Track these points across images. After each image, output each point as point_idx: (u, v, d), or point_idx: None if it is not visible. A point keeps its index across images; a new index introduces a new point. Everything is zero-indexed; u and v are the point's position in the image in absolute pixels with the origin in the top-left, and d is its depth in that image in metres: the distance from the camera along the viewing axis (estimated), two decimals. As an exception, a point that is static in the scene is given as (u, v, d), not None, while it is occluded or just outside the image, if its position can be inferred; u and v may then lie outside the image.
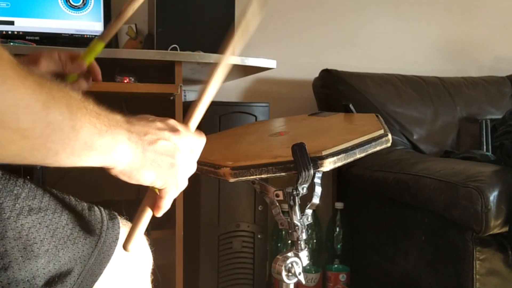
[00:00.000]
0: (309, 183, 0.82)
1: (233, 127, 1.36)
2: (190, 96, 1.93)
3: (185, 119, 0.61)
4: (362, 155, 0.84)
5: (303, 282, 0.90)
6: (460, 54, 2.47)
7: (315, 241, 1.94)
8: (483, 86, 2.21)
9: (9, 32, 1.56)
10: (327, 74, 2.01)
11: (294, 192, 0.84)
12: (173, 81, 1.43)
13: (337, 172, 1.98)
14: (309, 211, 0.88)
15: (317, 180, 0.83)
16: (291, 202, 0.86)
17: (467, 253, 1.33)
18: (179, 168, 0.55)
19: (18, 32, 1.57)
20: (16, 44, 1.48)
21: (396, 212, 1.63)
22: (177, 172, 0.55)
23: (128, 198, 1.57)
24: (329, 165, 0.80)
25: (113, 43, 1.76)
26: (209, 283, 1.60)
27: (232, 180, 0.83)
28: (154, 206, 0.57)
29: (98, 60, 1.43)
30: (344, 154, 0.81)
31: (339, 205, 1.90)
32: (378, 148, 0.86)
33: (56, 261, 0.54)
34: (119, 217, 0.65)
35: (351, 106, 1.15)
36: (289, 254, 0.88)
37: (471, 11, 2.48)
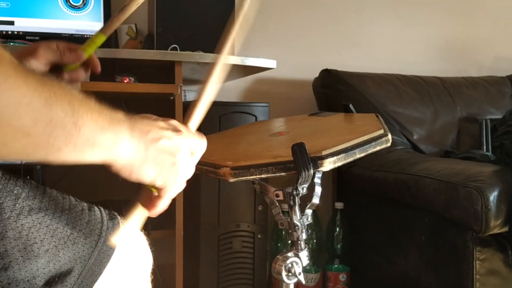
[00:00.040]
0: (309, 183, 0.82)
1: (233, 127, 1.36)
2: (190, 96, 1.93)
3: (184, 119, 0.62)
4: (362, 155, 0.84)
5: (303, 282, 0.90)
6: (460, 54, 2.47)
7: (315, 241, 1.94)
8: (483, 86, 2.21)
9: (9, 32, 1.56)
10: (327, 74, 2.01)
11: (294, 192, 0.84)
12: (173, 81, 1.43)
13: (337, 172, 1.98)
14: (309, 211, 0.88)
15: (317, 180, 0.83)
16: (291, 202, 0.86)
17: (467, 253, 1.33)
18: (180, 167, 0.55)
19: (18, 32, 1.57)
20: (16, 44, 1.48)
21: (396, 212, 1.63)
22: (177, 171, 0.55)
23: (128, 198, 1.57)
24: (329, 165, 0.80)
25: (113, 43, 1.76)
26: (209, 283, 1.60)
27: (232, 180, 0.83)
28: (150, 205, 0.57)
29: (98, 60, 1.43)
30: (344, 154, 0.81)
31: (339, 205, 1.90)
32: (378, 148, 0.86)
33: (56, 261, 0.54)
34: (119, 217, 0.65)
35: (351, 106, 1.15)
36: (289, 254, 0.88)
37: (471, 11, 2.48)
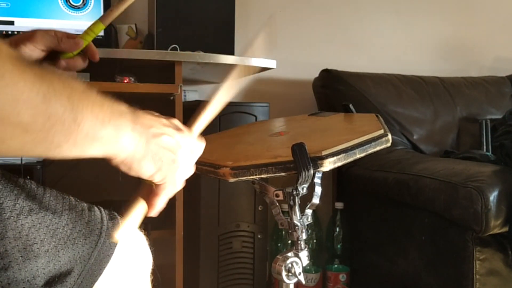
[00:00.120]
0: (309, 183, 0.82)
1: (233, 127, 1.36)
2: (190, 96, 1.93)
3: (189, 122, 0.62)
4: (362, 155, 0.84)
5: (303, 282, 0.90)
6: (460, 54, 2.46)
7: (315, 241, 1.94)
8: (483, 86, 2.21)
9: (9, 32, 1.56)
10: (327, 74, 2.01)
11: (294, 192, 0.84)
12: (173, 81, 1.43)
13: (337, 172, 1.98)
14: (309, 211, 0.88)
15: (317, 180, 0.83)
16: (291, 202, 0.86)
17: (467, 253, 1.33)
18: (180, 165, 0.55)
19: (18, 32, 1.57)
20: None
21: (396, 212, 1.63)
22: (177, 169, 0.55)
23: (128, 198, 1.57)
24: (329, 165, 0.80)
25: (113, 43, 1.76)
26: (209, 283, 1.60)
27: (232, 180, 0.83)
28: (148, 204, 0.57)
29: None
30: (344, 154, 0.81)
31: (339, 205, 1.89)
32: (378, 148, 0.86)
33: (56, 261, 0.54)
34: (119, 217, 0.65)
35: (351, 106, 1.15)
36: (289, 254, 0.88)
37: (471, 11, 2.48)
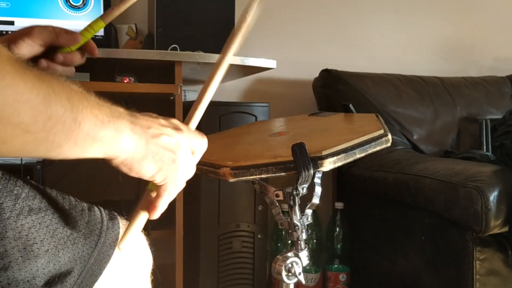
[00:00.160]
0: (309, 183, 0.82)
1: (233, 127, 1.36)
2: (190, 96, 1.93)
3: (185, 120, 0.62)
4: (362, 155, 0.84)
5: (303, 282, 0.90)
6: (460, 54, 2.47)
7: (315, 241, 1.94)
8: (483, 86, 2.21)
9: (9, 32, 1.56)
10: (327, 74, 2.01)
11: (294, 192, 0.84)
12: (173, 81, 1.43)
13: (337, 172, 1.98)
14: (309, 211, 0.88)
15: (317, 180, 0.83)
16: (291, 202, 0.86)
17: (467, 253, 1.33)
18: (180, 165, 0.55)
19: (18, 32, 1.57)
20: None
21: (396, 212, 1.63)
22: (177, 168, 0.55)
23: (128, 198, 1.57)
24: (329, 165, 0.80)
25: (113, 43, 1.76)
26: (209, 283, 1.60)
27: (232, 180, 0.83)
28: (150, 208, 0.57)
29: (98, 60, 1.43)
30: (344, 154, 0.81)
31: (339, 205, 1.89)
32: (378, 148, 0.86)
33: (56, 261, 0.54)
34: (119, 217, 0.65)
35: (351, 106, 1.15)
36: (289, 254, 0.88)
37: (471, 11, 2.48)
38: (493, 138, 1.91)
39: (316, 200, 0.86)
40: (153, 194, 0.57)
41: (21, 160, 1.41)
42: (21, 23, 1.57)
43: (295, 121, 1.19)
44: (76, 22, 1.62)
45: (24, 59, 0.41)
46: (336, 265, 1.90)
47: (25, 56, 0.66)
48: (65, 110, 0.41)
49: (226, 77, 0.70)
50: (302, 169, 0.78)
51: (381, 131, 0.88)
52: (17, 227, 0.52)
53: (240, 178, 0.83)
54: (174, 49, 1.57)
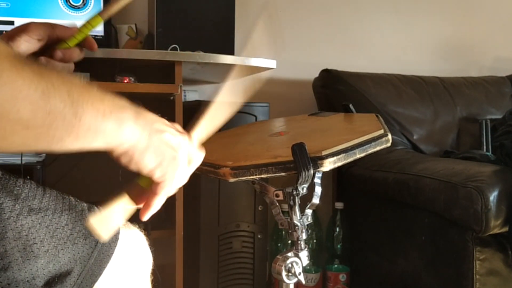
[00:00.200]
0: (309, 183, 0.82)
1: (233, 127, 1.36)
2: (190, 96, 1.93)
3: (189, 128, 0.61)
4: (362, 155, 0.84)
5: (303, 282, 0.90)
6: (460, 54, 2.46)
7: (315, 241, 1.94)
8: (483, 86, 2.21)
9: (9, 32, 1.56)
10: (327, 74, 2.01)
11: (294, 192, 0.84)
12: (173, 81, 1.43)
13: (337, 172, 1.98)
14: (309, 211, 0.88)
15: (317, 180, 0.83)
16: (291, 202, 0.86)
17: (467, 253, 1.33)
18: (180, 164, 0.55)
19: (18, 32, 1.57)
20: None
21: (396, 212, 1.63)
22: (177, 167, 0.55)
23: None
24: (329, 165, 0.80)
25: (113, 43, 1.76)
26: (209, 283, 1.60)
27: (232, 180, 0.83)
28: (144, 205, 0.56)
29: (98, 60, 1.43)
30: (344, 154, 0.81)
31: (339, 205, 1.89)
32: (378, 148, 0.86)
33: (56, 262, 0.54)
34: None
35: (351, 106, 1.15)
36: (289, 254, 0.88)
37: (471, 11, 2.48)
38: (493, 138, 1.90)
39: (316, 200, 0.86)
40: (143, 192, 0.56)
41: (21, 160, 1.41)
42: (21, 23, 1.56)
43: (295, 121, 1.19)
44: (76, 22, 1.62)
45: (22, 55, 0.41)
46: (336, 265, 1.90)
47: (23, 53, 0.66)
48: (65, 105, 0.41)
49: (226, 77, 0.70)
50: (302, 169, 0.78)
51: (381, 131, 0.88)
52: (17, 227, 0.52)
53: (240, 178, 0.83)
54: (174, 49, 1.57)
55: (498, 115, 2.08)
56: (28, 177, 0.61)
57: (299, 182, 0.80)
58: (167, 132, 0.53)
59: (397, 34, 2.35)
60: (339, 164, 0.81)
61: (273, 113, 1.74)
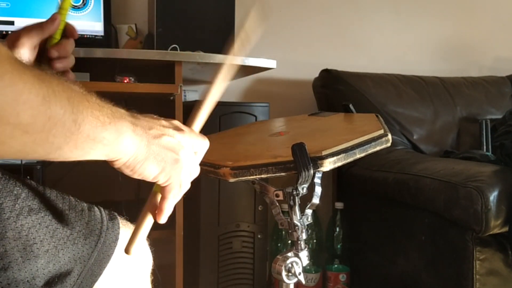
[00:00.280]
0: (309, 183, 0.82)
1: (233, 127, 1.36)
2: (190, 96, 1.93)
3: (188, 121, 0.61)
4: (362, 155, 0.84)
5: (303, 282, 0.90)
6: (460, 54, 2.47)
7: (315, 241, 1.94)
8: (483, 86, 2.21)
9: (9, 32, 1.56)
10: (327, 74, 2.01)
11: (294, 192, 0.84)
12: (173, 81, 1.43)
13: (337, 172, 1.98)
14: (309, 211, 0.88)
15: (317, 180, 0.83)
16: (291, 202, 0.86)
17: (467, 253, 1.33)
18: (183, 165, 0.55)
19: (18, 32, 1.57)
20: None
21: (396, 212, 1.63)
22: (181, 169, 0.55)
23: (128, 198, 1.57)
24: (329, 165, 0.80)
25: (113, 43, 1.76)
26: (209, 283, 1.60)
27: (232, 180, 0.83)
28: (157, 210, 0.57)
29: (98, 60, 1.42)
30: (344, 154, 0.81)
31: (339, 205, 1.89)
32: (378, 148, 0.86)
33: (56, 262, 0.54)
34: (119, 217, 0.65)
35: (351, 106, 1.15)
36: (289, 254, 0.88)
37: (471, 11, 2.48)
38: (493, 138, 1.91)
39: (316, 200, 0.86)
40: (158, 197, 0.57)
41: (21, 160, 1.41)
42: (21, 23, 1.57)
43: (295, 121, 1.19)
44: (76, 22, 1.62)
45: (23, 59, 0.41)
46: (336, 265, 1.90)
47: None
48: (65, 111, 0.41)
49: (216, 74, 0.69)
50: (302, 169, 0.78)
51: (381, 131, 0.88)
52: (17, 227, 0.52)
53: (240, 178, 0.83)
54: (174, 49, 1.57)
55: (498, 115, 2.08)
56: (28, 177, 0.61)
57: (299, 182, 0.80)
58: (165, 135, 0.53)
59: (397, 34, 2.35)
60: (339, 164, 0.81)
61: (273, 113, 1.74)
